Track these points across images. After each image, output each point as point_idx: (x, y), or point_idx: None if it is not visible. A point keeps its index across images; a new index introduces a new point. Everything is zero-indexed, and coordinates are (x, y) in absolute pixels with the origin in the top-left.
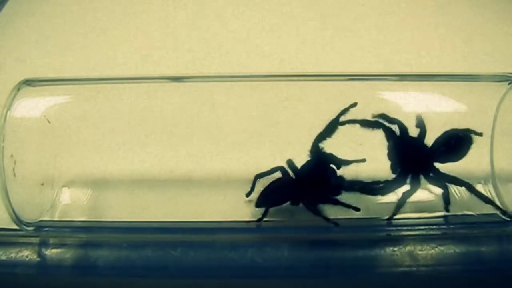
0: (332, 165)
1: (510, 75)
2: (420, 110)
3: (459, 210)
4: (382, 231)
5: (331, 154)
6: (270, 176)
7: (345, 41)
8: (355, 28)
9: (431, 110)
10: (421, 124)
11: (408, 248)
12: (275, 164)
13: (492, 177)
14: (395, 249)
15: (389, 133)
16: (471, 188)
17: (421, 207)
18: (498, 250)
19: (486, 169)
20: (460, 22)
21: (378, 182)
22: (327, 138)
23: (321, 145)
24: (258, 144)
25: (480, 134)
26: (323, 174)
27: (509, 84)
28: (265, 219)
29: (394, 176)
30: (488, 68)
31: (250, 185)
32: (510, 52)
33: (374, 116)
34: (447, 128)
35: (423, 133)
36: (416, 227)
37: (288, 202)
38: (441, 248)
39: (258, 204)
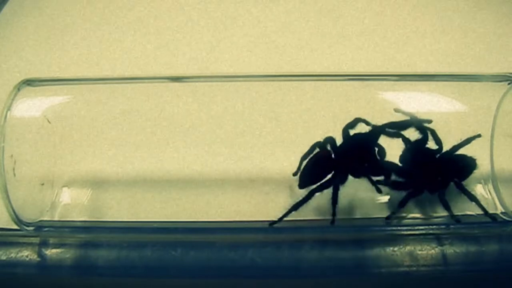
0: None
1: (510, 75)
2: (420, 110)
3: (459, 210)
4: (382, 231)
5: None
6: None
7: (344, 41)
8: (355, 28)
9: (431, 110)
10: (438, 140)
11: (408, 248)
12: (274, 163)
13: (492, 177)
14: (395, 249)
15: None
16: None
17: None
18: (498, 250)
19: (486, 169)
20: (460, 22)
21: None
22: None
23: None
24: (258, 144)
25: (478, 136)
26: (367, 151)
27: (509, 84)
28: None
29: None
30: (488, 68)
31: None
32: (510, 52)
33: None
34: (447, 128)
35: (440, 148)
36: (416, 227)
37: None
38: (441, 248)
39: (301, 185)
